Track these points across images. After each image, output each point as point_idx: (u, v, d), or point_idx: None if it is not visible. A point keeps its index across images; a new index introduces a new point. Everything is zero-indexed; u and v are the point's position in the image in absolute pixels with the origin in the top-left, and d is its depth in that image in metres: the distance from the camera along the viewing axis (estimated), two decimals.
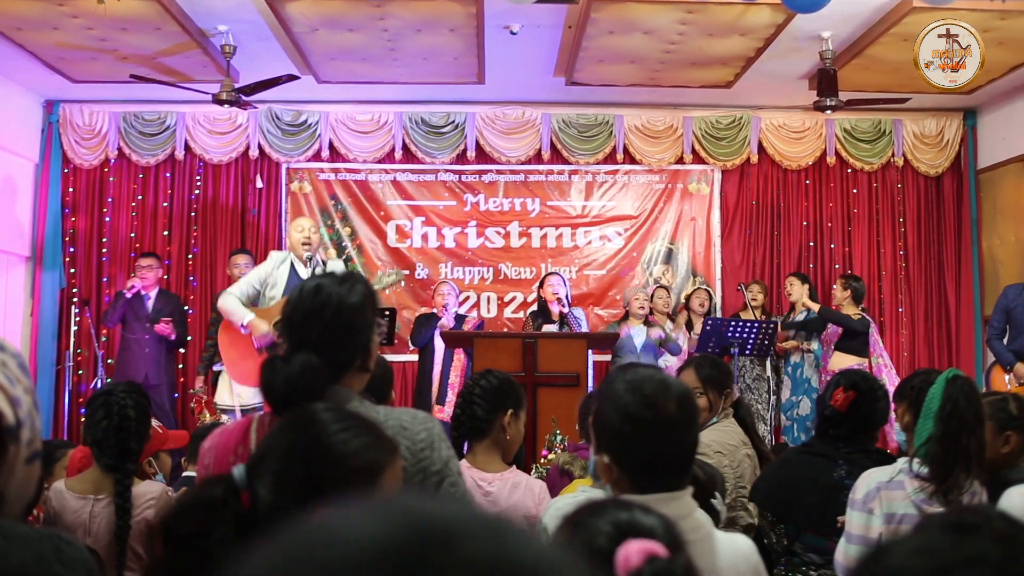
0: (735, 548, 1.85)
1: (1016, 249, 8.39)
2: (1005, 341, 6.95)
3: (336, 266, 6.23)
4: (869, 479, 2.73)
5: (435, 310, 7.74)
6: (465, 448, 3.12)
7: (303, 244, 6.02)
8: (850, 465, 3.10)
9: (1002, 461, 3.01)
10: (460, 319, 7.66)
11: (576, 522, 1.33)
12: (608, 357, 8.10)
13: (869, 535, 2.64)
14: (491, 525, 0.58)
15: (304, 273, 5.99)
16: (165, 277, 8.65)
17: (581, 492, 2.22)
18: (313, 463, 1.54)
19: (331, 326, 1.95)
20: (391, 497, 0.62)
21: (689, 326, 8.34)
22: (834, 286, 8.07)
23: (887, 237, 9.31)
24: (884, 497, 2.66)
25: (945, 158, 9.30)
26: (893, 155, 9.30)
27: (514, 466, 3.08)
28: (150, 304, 7.75)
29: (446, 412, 7.30)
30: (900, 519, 2.63)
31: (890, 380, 7.34)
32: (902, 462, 2.73)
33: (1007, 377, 6.77)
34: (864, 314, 7.75)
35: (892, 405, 3.36)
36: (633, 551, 1.21)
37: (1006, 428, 3.02)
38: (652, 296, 8.23)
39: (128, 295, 7.64)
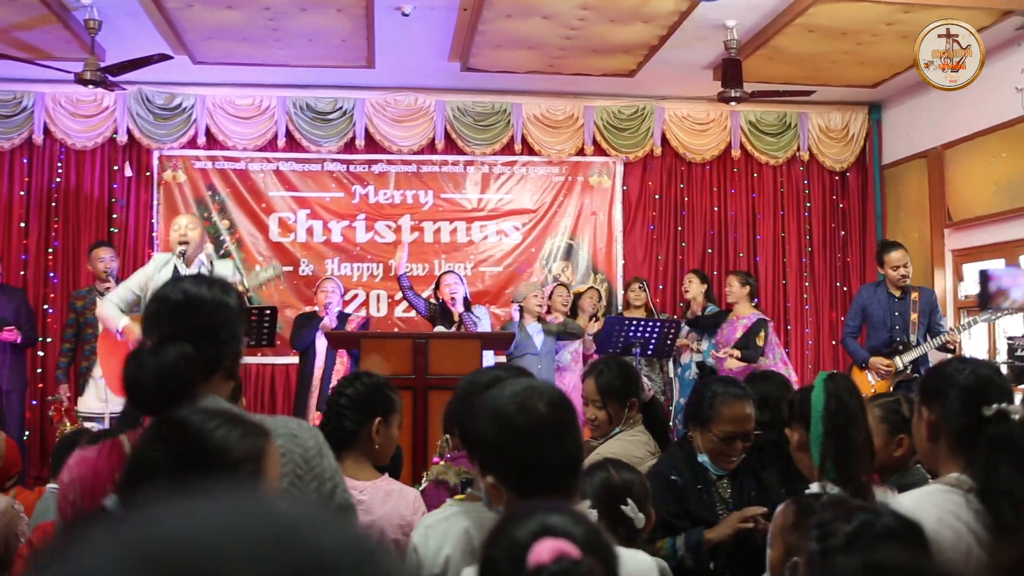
0: (635, 563, 1.87)
1: (919, 245, 8.70)
2: (863, 341, 7.23)
3: (224, 268, 6.09)
4: None
5: (316, 309, 7.63)
6: None
7: (180, 244, 5.86)
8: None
9: (893, 464, 3.07)
10: (343, 318, 7.56)
11: (508, 519, 1.42)
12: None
13: None
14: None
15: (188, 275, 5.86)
16: (22, 273, 8.37)
17: (448, 506, 2.23)
18: (198, 465, 1.56)
19: (205, 321, 1.93)
20: (246, 496, 0.60)
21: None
22: (728, 281, 8.07)
23: (792, 233, 9.57)
24: None
25: (850, 153, 9.61)
26: (798, 149, 9.56)
27: (386, 474, 3.07)
28: None
29: None
30: None
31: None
32: (816, 488, 2.64)
33: (869, 376, 7.00)
34: (758, 312, 7.84)
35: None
36: (544, 548, 1.29)
37: (899, 431, 3.06)
38: (552, 294, 8.24)
39: None
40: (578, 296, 8.64)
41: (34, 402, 8.13)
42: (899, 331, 6.97)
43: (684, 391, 7.88)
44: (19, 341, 7.31)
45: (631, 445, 3.54)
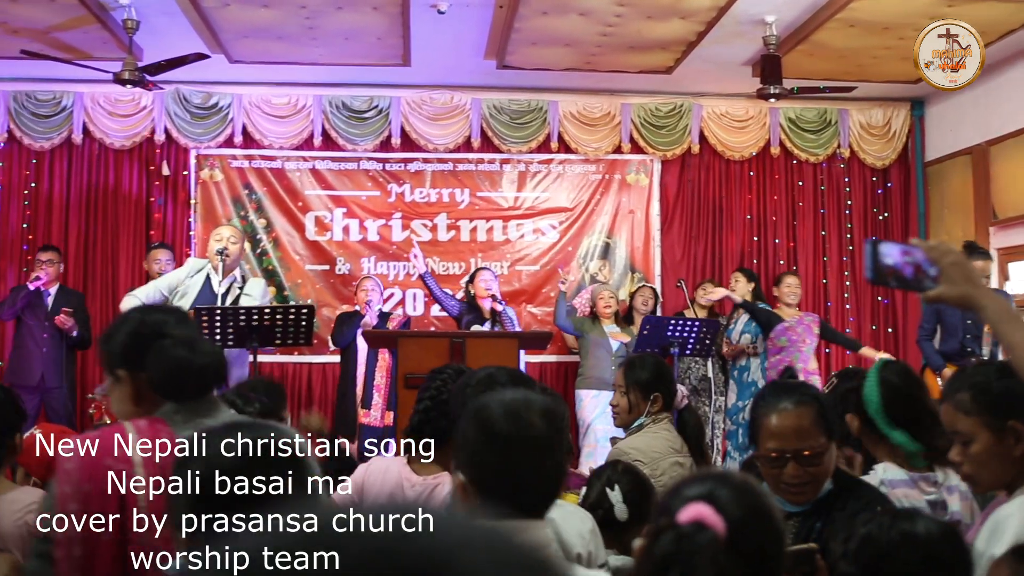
0: None
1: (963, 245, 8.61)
2: (937, 343, 7.17)
3: (256, 287, 5.99)
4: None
5: (357, 307, 7.71)
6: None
7: (218, 254, 5.76)
8: None
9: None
10: (384, 317, 7.64)
11: None
12: (554, 358, 8.05)
13: None
14: None
15: (218, 286, 5.74)
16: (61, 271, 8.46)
17: None
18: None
19: None
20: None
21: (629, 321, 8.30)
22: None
23: (833, 231, 9.48)
24: None
25: (892, 150, 9.51)
26: (839, 146, 9.47)
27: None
28: (50, 301, 7.55)
29: (372, 416, 7.33)
30: None
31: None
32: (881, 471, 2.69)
33: (940, 383, 6.92)
34: (806, 312, 7.87)
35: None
36: None
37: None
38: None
39: (31, 287, 7.43)
40: (631, 295, 8.61)
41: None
42: (970, 340, 6.90)
43: (742, 393, 7.70)
44: (74, 334, 7.43)
45: (654, 440, 3.62)
